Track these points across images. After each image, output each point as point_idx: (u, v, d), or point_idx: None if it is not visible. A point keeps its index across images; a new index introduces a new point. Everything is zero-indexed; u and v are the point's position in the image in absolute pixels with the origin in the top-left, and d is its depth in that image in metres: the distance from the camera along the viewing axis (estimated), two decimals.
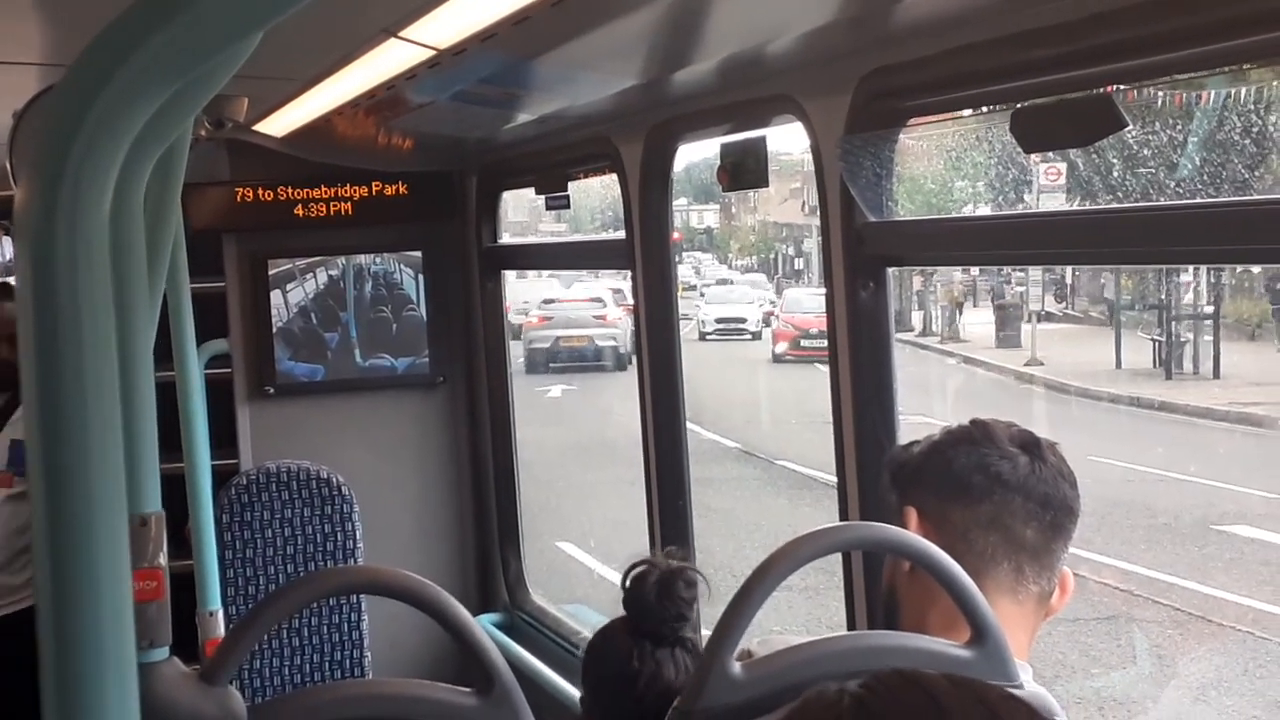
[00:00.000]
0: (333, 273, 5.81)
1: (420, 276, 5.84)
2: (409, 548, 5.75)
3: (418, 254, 5.84)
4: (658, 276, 4.20)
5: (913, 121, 2.96)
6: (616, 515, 13.01)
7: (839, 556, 3.15)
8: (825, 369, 3.28)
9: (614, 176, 4.31)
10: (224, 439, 5.47)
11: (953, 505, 2.07)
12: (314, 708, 1.94)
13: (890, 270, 3.10)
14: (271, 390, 5.72)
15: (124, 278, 1.39)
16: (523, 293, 23.99)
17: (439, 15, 2.77)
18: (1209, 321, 14.61)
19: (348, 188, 5.62)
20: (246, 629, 1.98)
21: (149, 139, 1.09)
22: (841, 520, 3.12)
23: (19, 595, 5.04)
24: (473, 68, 3.39)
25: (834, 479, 3.23)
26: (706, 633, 1.99)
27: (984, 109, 2.83)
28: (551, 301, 25.06)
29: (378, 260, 5.83)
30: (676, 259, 4.31)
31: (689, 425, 4.37)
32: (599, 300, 24.78)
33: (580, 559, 12.60)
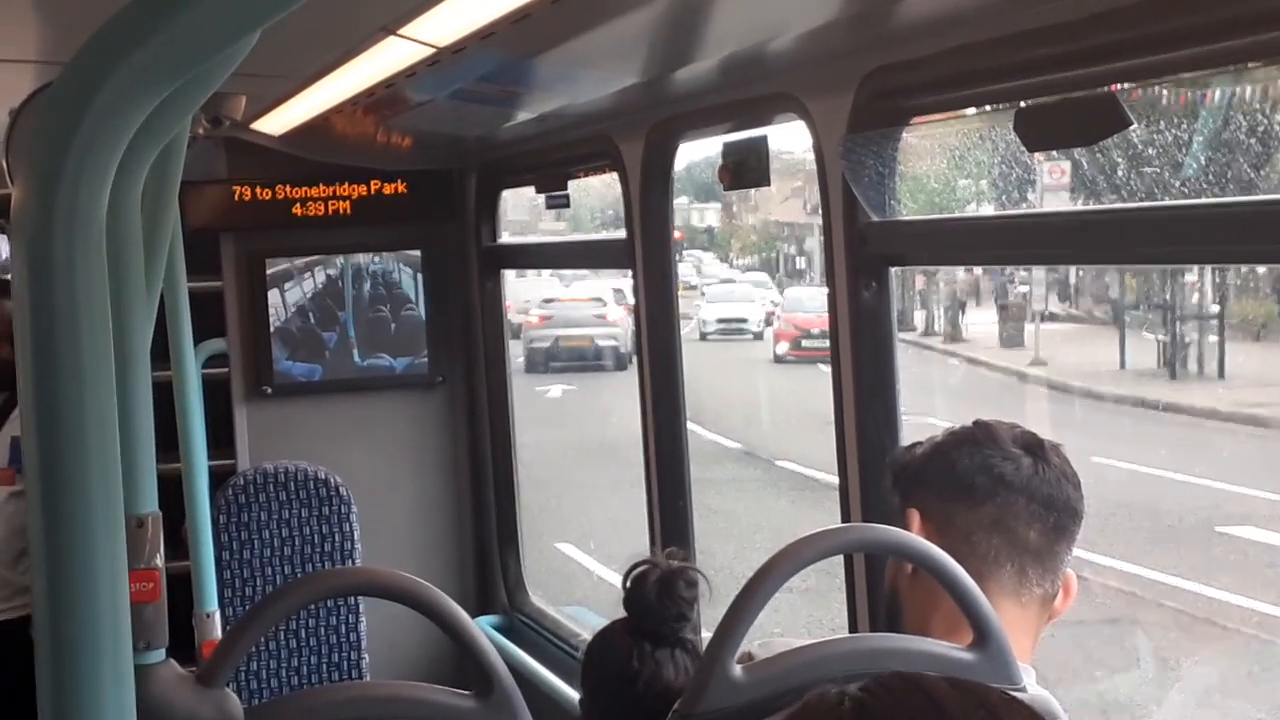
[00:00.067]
0: (331, 272, 5.80)
1: (419, 276, 5.82)
2: (407, 549, 5.73)
3: (417, 253, 5.82)
4: (658, 276, 4.19)
5: (915, 120, 2.95)
6: (617, 516, 12.99)
7: (841, 558, 3.14)
8: (827, 369, 3.27)
9: (614, 175, 4.31)
10: (221, 439, 5.45)
11: (955, 507, 2.06)
12: (311, 710, 1.93)
13: (893, 270, 3.09)
14: (269, 390, 5.71)
15: (121, 276, 1.39)
16: (523, 292, 23.95)
17: (438, 13, 2.76)
18: (1214, 322, 14.58)
19: (346, 186, 5.60)
20: (244, 631, 1.97)
21: (146, 137, 1.08)
22: (843, 522, 3.11)
23: (29, 598, 5.02)
24: (472, 66, 3.38)
25: (836, 480, 3.22)
26: (707, 635, 1.98)
27: (987, 108, 2.82)
28: (551, 301, 25.02)
29: (376, 259, 5.82)
30: (677, 258, 4.30)
31: (689, 425, 4.36)
32: (599, 300, 24.74)
33: (580, 560, 12.58)
